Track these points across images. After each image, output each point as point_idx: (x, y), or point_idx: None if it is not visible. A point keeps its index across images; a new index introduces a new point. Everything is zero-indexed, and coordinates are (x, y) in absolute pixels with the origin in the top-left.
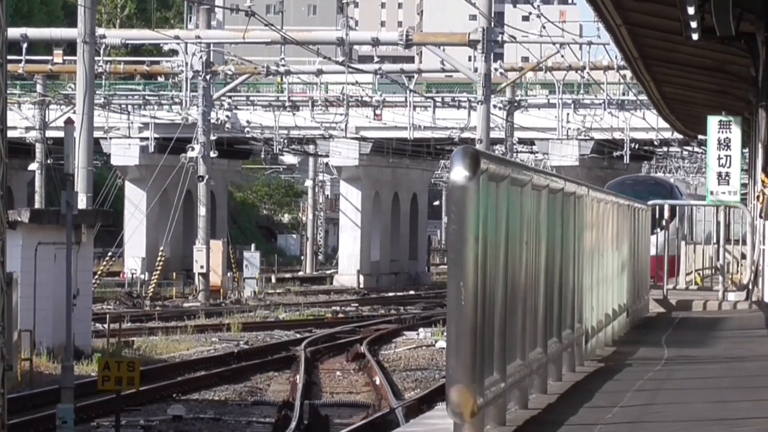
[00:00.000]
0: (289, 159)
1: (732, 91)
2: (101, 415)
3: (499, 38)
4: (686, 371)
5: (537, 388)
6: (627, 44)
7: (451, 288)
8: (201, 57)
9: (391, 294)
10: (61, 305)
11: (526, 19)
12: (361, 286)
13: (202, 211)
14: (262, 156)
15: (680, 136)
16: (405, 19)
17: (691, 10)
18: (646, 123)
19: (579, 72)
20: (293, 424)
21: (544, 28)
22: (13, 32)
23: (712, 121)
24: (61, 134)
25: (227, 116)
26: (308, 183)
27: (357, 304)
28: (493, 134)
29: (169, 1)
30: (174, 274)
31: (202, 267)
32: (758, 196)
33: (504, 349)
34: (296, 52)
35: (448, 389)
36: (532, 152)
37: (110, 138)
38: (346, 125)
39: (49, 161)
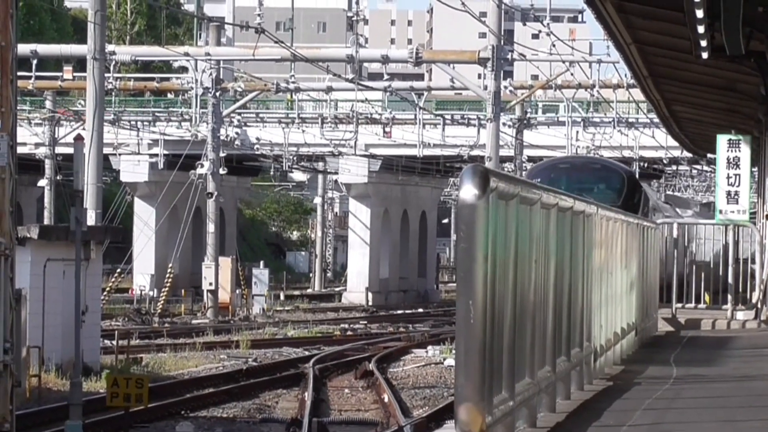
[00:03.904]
0: (298, 176)
1: (741, 109)
2: None
3: (509, 56)
4: (695, 390)
5: (545, 407)
6: (637, 63)
7: (460, 306)
8: (211, 74)
9: (399, 311)
10: (70, 321)
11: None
12: (370, 303)
13: (211, 227)
14: (272, 173)
15: (689, 155)
16: (415, 36)
17: (701, 29)
18: (656, 141)
19: (588, 90)
20: None
21: (554, 46)
22: (23, 48)
23: (722, 140)
24: (70, 150)
25: (237, 133)
26: (317, 200)
27: (365, 322)
28: (503, 152)
29: (180, 17)
30: (183, 290)
31: (211, 284)
32: (767, 215)
33: (513, 368)
34: (306, 69)
35: (457, 407)
36: None
37: (120, 154)
38: (355, 142)
39: (58, 177)
